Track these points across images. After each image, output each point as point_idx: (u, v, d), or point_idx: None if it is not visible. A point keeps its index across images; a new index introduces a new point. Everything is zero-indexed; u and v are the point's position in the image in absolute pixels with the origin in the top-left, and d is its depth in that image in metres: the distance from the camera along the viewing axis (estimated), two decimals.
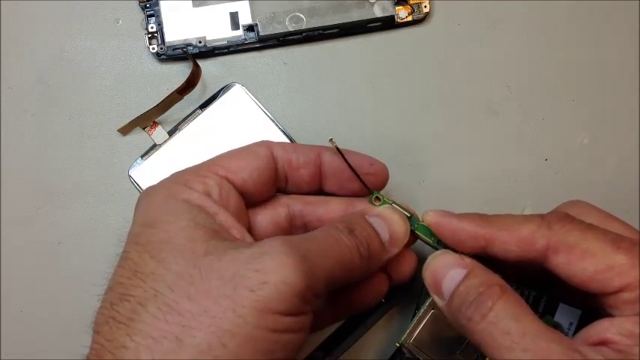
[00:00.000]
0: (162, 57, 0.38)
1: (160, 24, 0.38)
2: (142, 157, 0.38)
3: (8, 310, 0.37)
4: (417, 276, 0.30)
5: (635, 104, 0.39)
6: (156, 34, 0.38)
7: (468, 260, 0.26)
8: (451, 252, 0.27)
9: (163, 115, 0.38)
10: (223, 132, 0.38)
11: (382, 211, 0.29)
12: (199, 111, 0.38)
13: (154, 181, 0.37)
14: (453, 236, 0.27)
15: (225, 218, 0.26)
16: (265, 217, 0.30)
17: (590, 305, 0.28)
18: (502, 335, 0.23)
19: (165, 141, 0.38)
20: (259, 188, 0.29)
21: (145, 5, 0.38)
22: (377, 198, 0.30)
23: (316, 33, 0.38)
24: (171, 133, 0.38)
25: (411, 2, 0.39)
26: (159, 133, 0.38)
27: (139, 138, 0.38)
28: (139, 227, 0.26)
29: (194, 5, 0.38)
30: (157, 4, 0.38)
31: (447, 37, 0.40)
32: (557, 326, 0.30)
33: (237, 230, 0.26)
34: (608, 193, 0.38)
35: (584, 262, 0.24)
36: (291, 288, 0.23)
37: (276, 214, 0.30)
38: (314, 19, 0.38)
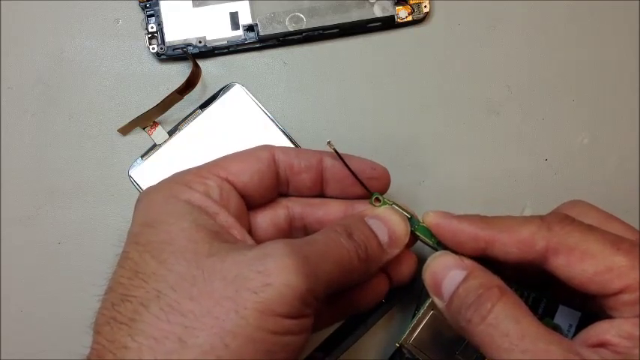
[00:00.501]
0: (162, 57, 0.38)
1: (160, 24, 0.38)
2: (142, 157, 0.38)
3: (8, 310, 0.37)
4: (417, 276, 0.30)
5: (635, 104, 0.39)
6: (156, 34, 0.38)
7: (467, 262, 0.26)
8: (451, 253, 0.27)
9: (163, 115, 0.38)
10: (223, 132, 0.38)
11: (381, 212, 0.29)
12: (199, 111, 0.38)
13: (154, 181, 0.37)
14: (453, 238, 0.27)
15: (225, 219, 0.26)
16: (265, 219, 0.30)
17: (590, 307, 0.28)
18: (501, 337, 0.23)
19: (165, 141, 0.38)
20: (260, 191, 0.29)
21: (145, 5, 0.38)
22: (377, 199, 0.29)
23: (316, 33, 0.38)
24: (171, 133, 0.38)
25: (411, 2, 0.39)
26: (159, 133, 0.38)
27: (139, 138, 0.38)
28: (139, 227, 0.26)
29: (194, 5, 0.38)
30: (157, 4, 0.38)
31: (447, 37, 0.40)
32: (556, 328, 0.30)
33: (237, 231, 0.26)
34: (608, 193, 0.38)
35: (584, 263, 0.24)
36: (293, 291, 0.23)
37: (276, 215, 0.30)
38: (314, 19, 0.38)
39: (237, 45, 0.38)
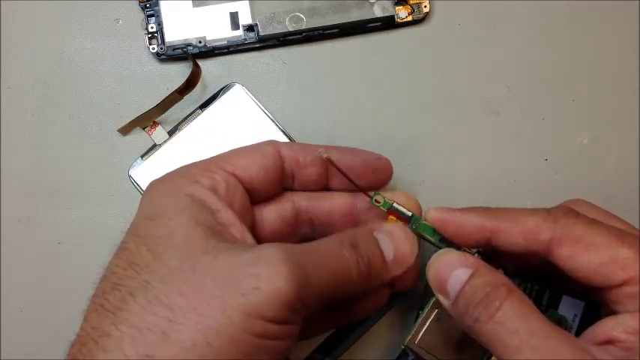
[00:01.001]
0: (162, 57, 0.38)
1: (160, 24, 0.38)
2: (142, 157, 0.38)
3: (8, 310, 0.37)
4: (420, 276, 0.30)
5: (635, 104, 0.39)
6: (156, 34, 0.38)
7: (472, 259, 0.26)
8: (455, 250, 0.27)
9: (163, 115, 0.38)
10: (223, 132, 0.38)
11: (391, 229, 0.28)
12: (199, 111, 0.38)
13: None
14: (458, 230, 0.27)
15: (227, 216, 0.26)
16: (271, 213, 0.30)
17: (593, 299, 0.28)
18: (510, 335, 0.23)
19: (165, 141, 0.38)
20: (266, 186, 0.29)
21: (145, 5, 0.38)
22: (377, 200, 0.29)
23: (316, 33, 0.38)
24: (171, 133, 0.38)
25: (411, 2, 0.39)
26: (159, 133, 0.38)
27: (139, 138, 0.38)
28: (140, 219, 0.26)
29: (194, 5, 0.38)
30: (157, 4, 0.38)
31: (447, 37, 0.40)
32: (562, 320, 0.30)
33: (237, 230, 0.26)
34: (608, 193, 0.38)
35: (589, 254, 0.25)
36: (282, 297, 0.23)
37: (282, 209, 0.30)
38: (314, 19, 0.38)
39: (237, 45, 0.38)
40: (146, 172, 0.38)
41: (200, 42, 0.38)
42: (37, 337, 0.37)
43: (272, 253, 0.24)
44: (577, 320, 0.29)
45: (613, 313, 0.25)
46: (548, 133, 0.39)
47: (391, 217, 0.29)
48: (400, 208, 0.29)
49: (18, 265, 0.37)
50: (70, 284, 0.37)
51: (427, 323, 0.29)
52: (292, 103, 0.39)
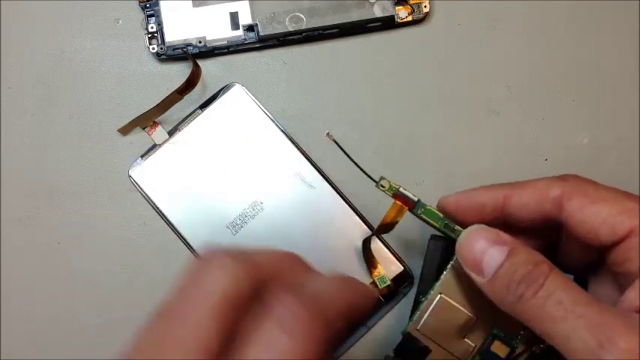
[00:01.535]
0: (162, 57, 0.38)
1: (160, 24, 0.38)
2: (142, 157, 0.38)
3: (8, 310, 0.37)
4: (417, 266, 0.30)
5: (635, 104, 0.39)
6: (156, 34, 0.38)
7: (506, 237, 0.26)
8: (486, 227, 0.27)
9: (163, 115, 0.38)
10: (223, 132, 0.38)
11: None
12: (199, 111, 0.38)
13: (154, 181, 0.37)
14: (472, 204, 0.28)
15: None
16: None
17: (585, 272, 0.29)
18: (555, 306, 0.24)
19: (165, 141, 0.38)
20: None
21: (145, 5, 0.38)
22: (382, 185, 0.30)
23: (316, 33, 0.38)
24: (171, 133, 0.38)
25: (411, 2, 0.39)
26: (159, 133, 0.38)
27: (139, 138, 0.38)
28: None
29: (194, 5, 0.38)
30: (157, 4, 0.38)
31: (447, 37, 0.40)
32: None
33: None
34: None
35: (598, 205, 0.26)
36: None
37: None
38: (314, 19, 0.38)
39: (237, 45, 0.38)
40: (146, 172, 0.38)
41: (200, 42, 0.38)
42: (37, 337, 0.37)
43: None
44: None
45: (611, 281, 0.26)
46: (548, 133, 0.39)
47: (396, 201, 0.30)
48: (406, 192, 0.29)
49: (18, 265, 0.37)
50: (70, 284, 0.37)
51: (429, 310, 0.29)
52: (292, 103, 0.39)
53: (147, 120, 0.38)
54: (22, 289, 0.37)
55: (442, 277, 0.29)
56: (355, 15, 0.38)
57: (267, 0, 0.38)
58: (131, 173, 0.38)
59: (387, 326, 0.36)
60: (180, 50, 0.38)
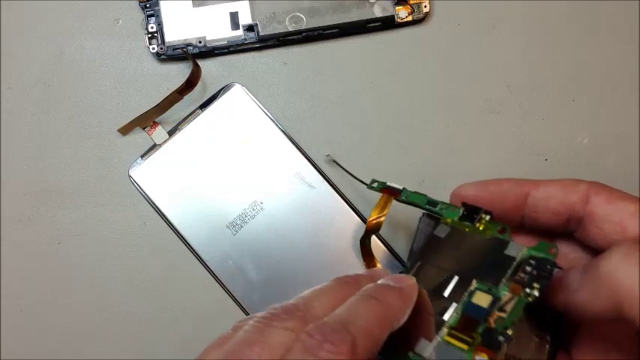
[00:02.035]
0: (162, 57, 0.38)
1: (160, 24, 0.38)
2: (142, 157, 0.38)
3: (8, 310, 0.37)
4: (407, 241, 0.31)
5: (635, 104, 0.39)
6: (156, 34, 0.38)
7: None
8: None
9: (163, 115, 0.38)
10: (223, 132, 0.38)
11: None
12: (199, 111, 0.38)
13: (154, 181, 0.37)
14: (496, 192, 0.29)
15: None
16: None
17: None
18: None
19: (165, 141, 0.38)
20: None
21: (145, 5, 0.38)
22: (372, 185, 0.33)
23: (316, 33, 0.38)
24: (171, 133, 0.38)
25: (411, 2, 0.39)
26: (159, 133, 0.38)
27: (139, 138, 0.38)
28: None
29: (194, 5, 0.38)
30: (157, 4, 0.38)
31: (447, 37, 0.40)
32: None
33: None
34: None
35: (625, 201, 0.26)
36: None
37: None
38: (314, 19, 0.38)
39: (237, 45, 0.38)
40: (146, 172, 0.38)
41: (200, 42, 0.38)
42: (37, 337, 0.37)
43: None
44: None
45: None
46: (548, 133, 0.39)
47: (384, 194, 0.32)
48: (392, 184, 0.32)
49: (18, 265, 0.37)
50: (70, 284, 0.37)
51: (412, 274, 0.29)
52: (292, 103, 0.39)
53: (147, 120, 0.38)
54: (22, 289, 0.37)
55: (417, 244, 0.30)
56: (355, 15, 0.38)
57: (267, 0, 0.38)
58: (131, 173, 0.38)
59: None
60: (180, 50, 0.38)
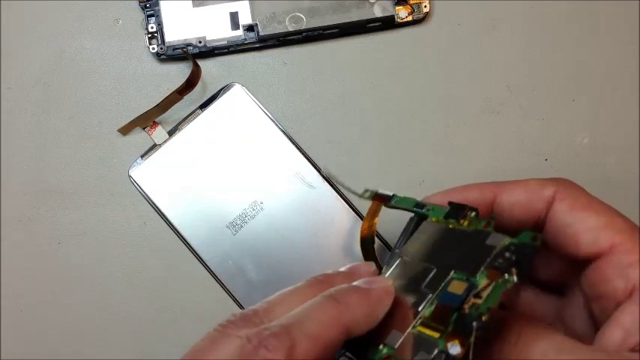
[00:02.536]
0: (162, 57, 0.38)
1: (160, 24, 0.38)
2: (142, 157, 0.38)
3: (8, 310, 0.37)
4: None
5: (635, 104, 0.39)
6: (156, 34, 0.38)
7: None
8: None
9: (163, 115, 0.38)
10: (223, 132, 0.38)
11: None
12: (199, 111, 0.38)
13: (154, 181, 0.37)
14: (462, 200, 0.28)
15: None
16: None
17: (562, 287, 0.28)
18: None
19: (165, 141, 0.38)
20: None
21: (145, 5, 0.38)
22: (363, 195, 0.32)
23: (316, 33, 0.38)
24: (171, 133, 0.38)
25: (411, 2, 0.39)
26: (159, 133, 0.38)
27: (139, 138, 0.38)
28: None
29: (194, 5, 0.38)
30: (157, 4, 0.38)
31: (447, 37, 0.40)
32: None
33: None
34: (608, 193, 0.38)
35: (588, 212, 0.25)
36: None
37: None
38: (314, 19, 0.38)
39: (237, 45, 0.38)
40: (146, 172, 0.38)
41: (200, 42, 0.38)
42: (37, 337, 0.37)
43: None
44: None
45: (582, 305, 0.25)
46: (548, 133, 0.39)
47: (374, 202, 0.32)
48: (383, 192, 0.32)
49: (18, 265, 0.37)
50: (70, 284, 0.37)
51: (389, 271, 0.29)
52: (292, 103, 0.39)
53: (147, 120, 0.38)
54: (22, 289, 0.37)
55: (400, 243, 0.30)
56: (355, 15, 0.38)
57: (267, 0, 0.38)
58: (131, 173, 0.38)
59: None
60: (180, 50, 0.38)
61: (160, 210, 0.37)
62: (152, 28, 0.38)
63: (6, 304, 0.37)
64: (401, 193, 0.38)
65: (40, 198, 0.38)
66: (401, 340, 0.25)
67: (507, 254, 0.24)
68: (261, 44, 0.39)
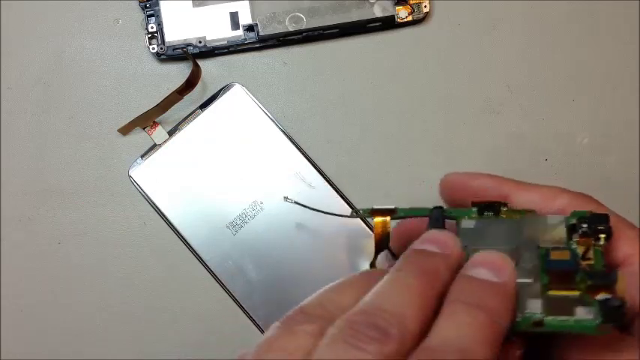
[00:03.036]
0: (162, 57, 0.38)
1: (160, 24, 0.38)
2: (142, 157, 0.38)
3: (8, 310, 0.37)
4: None
5: (635, 104, 0.39)
6: (156, 34, 0.38)
7: None
8: None
9: (163, 115, 0.38)
10: (223, 132, 0.38)
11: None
12: (199, 111, 0.38)
13: (154, 181, 0.37)
14: (480, 188, 0.27)
15: None
16: None
17: None
18: None
19: (165, 141, 0.38)
20: None
21: (145, 5, 0.38)
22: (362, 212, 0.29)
23: (316, 33, 0.38)
24: (171, 133, 0.38)
25: (411, 2, 0.39)
26: (159, 133, 0.38)
27: (139, 138, 0.38)
28: None
29: (194, 5, 0.38)
30: (156, 4, 0.38)
31: (447, 37, 0.40)
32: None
33: None
34: (608, 193, 0.38)
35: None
36: None
37: None
38: (314, 19, 0.38)
39: (237, 45, 0.38)
40: (146, 172, 0.38)
41: (200, 42, 0.38)
42: (37, 337, 0.37)
43: None
44: None
45: None
46: (548, 133, 0.39)
47: (376, 217, 0.29)
48: (380, 206, 0.29)
49: (18, 265, 0.37)
50: (70, 284, 0.37)
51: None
52: (292, 103, 0.39)
53: (147, 120, 0.38)
54: (22, 289, 0.37)
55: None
56: (355, 15, 0.38)
57: (267, 0, 0.38)
58: (131, 173, 0.38)
59: None
60: (180, 50, 0.38)
61: (159, 210, 0.37)
62: (152, 28, 0.38)
63: (6, 304, 0.37)
64: (401, 193, 0.38)
65: (40, 198, 0.38)
66: (539, 305, 0.24)
67: (584, 226, 0.25)
68: (261, 44, 0.39)
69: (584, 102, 0.39)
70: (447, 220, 0.28)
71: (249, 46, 0.39)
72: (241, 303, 0.36)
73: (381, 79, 0.39)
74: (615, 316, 0.23)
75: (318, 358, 0.20)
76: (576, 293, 0.24)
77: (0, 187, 0.38)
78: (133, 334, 0.37)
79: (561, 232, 0.26)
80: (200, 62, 0.38)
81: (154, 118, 0.38)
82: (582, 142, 0.39)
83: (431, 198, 0.38)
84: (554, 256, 0.25)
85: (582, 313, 0.24)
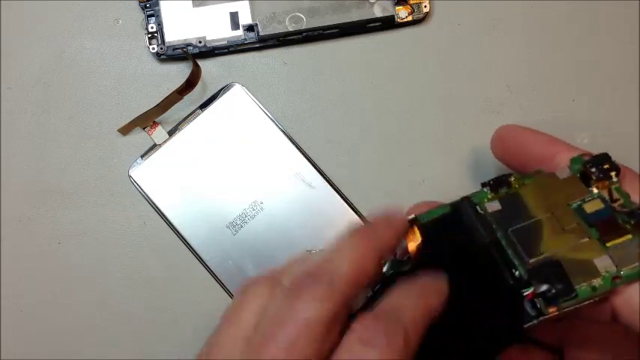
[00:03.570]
0: (163, 57, 0.38)
1: (160, 24, 0.38)
2: (142, 157, 0.38)
3: (8, 310, 0.37)
4: None
5: (635, 104, 0.39)
6: (156, 34, 0.38)
7: None
8: None
9: (163, 115, 0.38)
10: (223, 132, 0.38)
11: None
12: (199, 111, 0.38)
13: (154, 181, 0.37)
14: (533, 137, 0.30)
15: None
16: None
17: None
18: None
19: (165, 141, 0.38)
20: None
21: (145, 5, 0.38)
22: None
23: (316, 33, 0.38)
24: (171, 133, 0.38)
25: (411, 2, 0.39)
26: (159, 133, 0.38)
27: (139, 138, 0.38)
28: None
29: (194, 5, 0.38)
30: (157, 4, 0.38)
31: (447, 37, 0.40)
32: None
33: None
34: None
35: None
36: None
37: None
38: (314, 19, 0.38)
39: (237, 45, 0.38)
40: (146, 172, 0.38)
41: (200, 42, 0.38)
42: (37, 337, 0.37)
43: None
44: None
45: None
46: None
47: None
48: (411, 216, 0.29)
49: (18, 265, 0.37)
50: (70, 284, 0.37)
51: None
52: (292, 103, 0.39)
53: (147, 120, 0.38)
54: (22, 289, 0.37)
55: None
56: (355, 15, 0.38)
57: (267, 0, 0.38)
58: (131, 173, 0.38)
59: None
60: (180, 50, 0.38)
61: (159, 210, 0.37)
62: (152, 28, 0.38)
63: (6, 304, 0.37)
64: (401, 194, 0.38)
65: (40, 198, 0.38)
66: (608, 258, 0.25)
67: (593, 169, 0.27)
68: (261, 44, 0.39)
69: (584, 102, 0.39)
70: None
71: (249, 46, 0.39)
72: None
73: (381, 79, 0.39)
74: None
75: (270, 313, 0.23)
76: (630, 237, 0.25)
77: (0, 187, 0.38)
78: (133, 334, 0.37)
79: (578, 183, 0.27)
80: (200, 62, 0.38)
81: (154, 118, 0.38)
82: (582, 142, 0.39)
83: (431, 198, 0.38)
84: (589, 208, 0.26)
85: None
